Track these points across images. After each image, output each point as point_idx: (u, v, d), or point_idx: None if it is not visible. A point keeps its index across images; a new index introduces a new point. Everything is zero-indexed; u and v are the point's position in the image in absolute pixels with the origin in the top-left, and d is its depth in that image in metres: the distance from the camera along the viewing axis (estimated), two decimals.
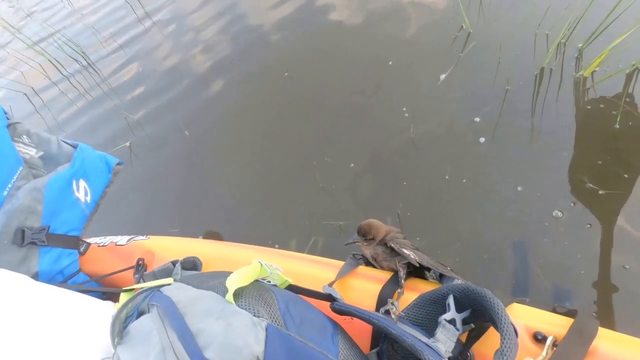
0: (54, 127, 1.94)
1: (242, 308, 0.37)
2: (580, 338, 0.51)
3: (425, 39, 1.55)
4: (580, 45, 1.29)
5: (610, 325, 0.82)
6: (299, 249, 1.13)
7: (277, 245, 1.15)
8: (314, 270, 0.64)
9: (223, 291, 0.41)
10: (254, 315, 0.36)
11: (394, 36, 1.61)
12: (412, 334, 0.43)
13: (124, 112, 1.80)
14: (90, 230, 0.82)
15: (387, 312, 0.53)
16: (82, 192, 0.78)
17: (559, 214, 1.00)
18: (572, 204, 1.00)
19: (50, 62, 2.23)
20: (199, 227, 1.30)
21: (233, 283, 0.39)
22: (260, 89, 1.67)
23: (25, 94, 2.16)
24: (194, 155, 1.53)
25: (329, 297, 0.51)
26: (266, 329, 0.35)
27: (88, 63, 2.19)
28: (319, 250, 1.12)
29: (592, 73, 1.22)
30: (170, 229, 1.31)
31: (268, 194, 1.32)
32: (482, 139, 1.20)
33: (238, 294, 0.40)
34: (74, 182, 0.76)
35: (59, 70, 2.21)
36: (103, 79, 2.07)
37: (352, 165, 1.28)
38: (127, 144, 1.66)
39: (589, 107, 1.18)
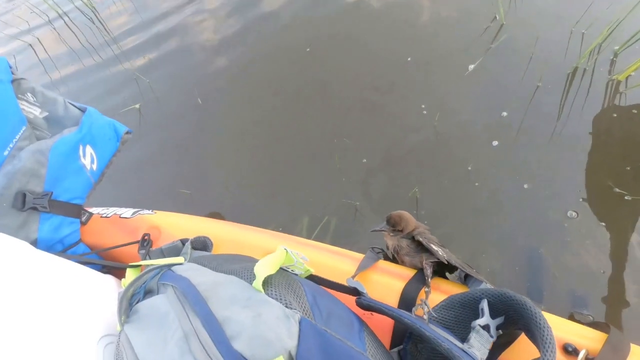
0: (59, 81, 1.88)
1: (272, 297, 0.34)
2: (615, 354, 0.48)
3: (457, 27, 1.48)
4: (617, 48, 1.23)
5: (628, 334, 0.80)
6: (311, 228, 1.11)
7: (283, 229, 1.12)
8: (333, 261, 0.60)
9: (247, 277, 0.37)
10: (286, 307, 0.33)
11: (428, 21, 1.54)
12: (447, 338, 0.40)
13: (135, 73, 1.74)
14: (92, 200, 0.78)
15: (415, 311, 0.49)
16: (89, 158, 0.73)
17: (574, 214, 0.97)
18: (595, 208, 0.97)
19: (60, 16, 2.15)
20: (206, 200, 1.26)
21: (262, 270, 0.35)
22: (282, 64, 1.60)
23: (30, 45, 2.09)
24: (205, 125, 1.48)
25: (355, 291, 0.47)
26: (299, 323, 0.32)
27: (99, 20, 2.11)
28: (331, 231, 1.09)
29: (627, 77, 1.17)
30: (181, 189, 1.29)
31: (282, 170, 1.27)
32: (506, 136, 1.15)
33: (266, 282, 0.36)
34: (81, 148, 0.72)
35: (68, 27, 2.13)
36: (114, 39, 2.00)
37: (378, 146, 1.23)
38: (137, 106, 1.61)
39: (621, 111, 1.12)
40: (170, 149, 1.46)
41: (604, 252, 0.91)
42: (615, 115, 1.12)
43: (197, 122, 1.51)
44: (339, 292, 0.50)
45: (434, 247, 0.55)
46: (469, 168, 1.12)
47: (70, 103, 0.76)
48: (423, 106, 1.28)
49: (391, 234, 0.62)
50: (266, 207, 1.20)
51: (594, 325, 0.53)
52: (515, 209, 1.02)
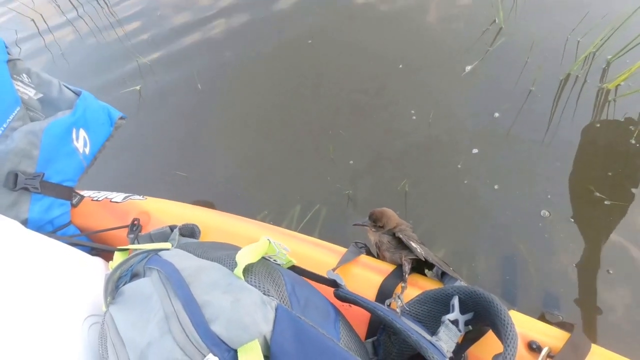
0: (59, 57, 1.87)
1: (252, 285, 0.36)
2: (575, 353, 0.51)
3: (457, 29, 1.49)
4: (610, 57, 1.25)
5: (593, 333, 0.84)
6: (301, 216, 1.13)
7: (275, 216, 1.14)
8: (316, 254, 0.62)
9: (230, 264, 0.39)
10: (264, 294, 0.35)
11: (430, 22, 1.55)
12: (416, 330, 0.42)
13: (136, 55, 1.73)
14: (83, 183, 0.79)
15: (389, 304, 0.52)
16: (82, 142, 0.74)
17: (547, 213, 1.02)
18: (576, 210, 1.01)
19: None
20: (202, 184, 1.29)
21: (244, 258, 0.37)
22: (283, 55, 1.60)
23: (32, 19, 2.07)
24: (204, 111, 1.50)
25: (333, 283, 0.49)
26: (276, 309, 0.34)
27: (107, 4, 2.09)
28: (321, 221, 1.11)
29: (616, 86, 1.19)
30: (178, 171, 1.31)
31: (275, 159, 1.30)
32: (496, 136, 1.18)
33: (247, 269, 0.38)
34: (74, 131, 0.72)
35: (71, 3, 2.11)
36: (118, 21, 1.98)
37: (375, 141, 1.26)
38: (137, 87, 1.61)
39: (608, 119, 1.15)
40: (169, 132, 1.47)
41: (579, 253, 0.95)
42: (602, 122, 1.15)
43: (195, 107, 1.52)
44: (319, 284, 0.52)
45: (413, 245, 0.57)
46: (459, 166, 1.14)
47: (65, 86, 0.76)
48: (413, 111, 1.30)
49: (373, 229, 0.64)
50: (259, 193, 1.23)
51: (560, 325, 0.56)
52: (496, 208, 1.05)
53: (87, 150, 0.76)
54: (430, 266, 0.63)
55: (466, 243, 1.01)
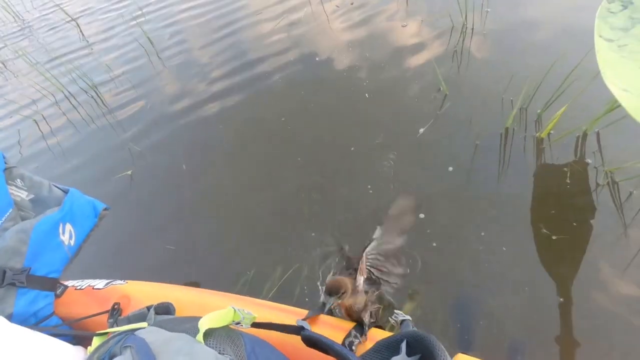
0: (59, 153, 2.01)
1: (210, 346, 0.41)
2: None
3: (409, 99, 1.70)
4: (539, 110, 1.44)
5: None
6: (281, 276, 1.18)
7: (254, 280, 1.19)
8: (279, 318, 0.67)
9: (194, 332, 0.45)
10: (220, 353, 0.40)
11: (384, 98, 1.77)
12: None
13: (128, 143, 1.90)
14: (73, 269, 0.85)
15: (351, 345, 0.56)
16: (67, 235, 0.81)
17: (504, 249, 1.10)
18: (528, 247, 1.10)
19: (61, 91, 2.36)
20: (189, 256, 1.36)
21: (204, 324, 0.43)
22: (258, 132, 1.78)
23: (35, 120, 2.26)
24: (189, 188, 1.62)
25: (300, 329, 0.54)
26: None
27: (97, 94, 2.31)
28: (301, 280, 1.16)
29: (548, 135, 1.36)
30: (167, 245, 1.39)
31: (251, 230, 1.38)
32: (453, 186, 1.31)
33: (208, 334, 0.43)
34: (61, 226, 0.80)
35: (68, 100, 2.34)
36: (110, 110, 2.19)
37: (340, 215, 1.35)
38: (129, 172, 1.74)
39: (546, 164, 1.30)
40: (157, 210, 1.57)
41: (534, 289, 1.01)
42: (541, 167, 1.29)
43: (181, 186, 1.64)
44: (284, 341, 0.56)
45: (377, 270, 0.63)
46: (421, 216, 1.23)
47: (55, 185, 0.86)
48: (369, 186, 1.40)
49: (339, 300, 0.67)
50: (240, 259, 1.30)
51: None
52: (459, 253, 1.13)
53: (72, 242, 0.82)
54: (391, 313, 0.68)
55: (426, 295, 1.06)
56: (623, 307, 0.96)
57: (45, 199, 0.83)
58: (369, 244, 0.66)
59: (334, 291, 0.67)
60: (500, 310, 0.99)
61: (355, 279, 0.66)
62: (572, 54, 1.44)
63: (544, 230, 1.11)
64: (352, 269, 0.67)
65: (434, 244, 1.17)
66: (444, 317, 1.00)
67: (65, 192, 0.85)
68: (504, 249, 1.11)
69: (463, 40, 1.90)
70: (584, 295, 0.99)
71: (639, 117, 0.86)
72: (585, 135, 1.33)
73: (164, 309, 0.68)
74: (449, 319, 0.99)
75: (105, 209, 0.90)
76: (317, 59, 2.09)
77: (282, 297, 1.14)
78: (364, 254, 0.66)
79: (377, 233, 0.66)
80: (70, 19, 3.38)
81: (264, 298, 1.13)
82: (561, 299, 0.99)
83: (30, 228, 0.76)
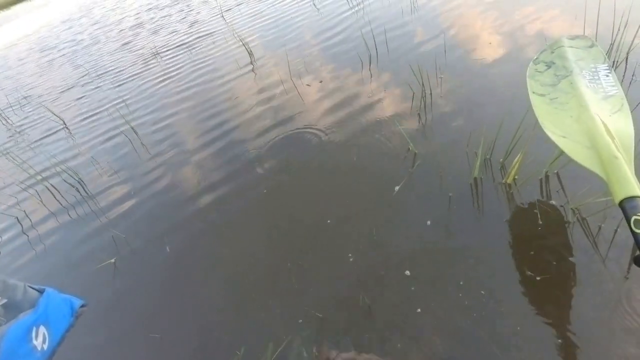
0: (41, 249, 2.00)
1: None
2: None
3: (381, 161, 1.82)
4: (501, 159, 1.56)
5: None
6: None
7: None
8: None
9: None
10: None
11: (351, 167, 1.88)
12: None
13: (112, 230, 1.92)
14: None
15: None
16: (40, 339, 0.78)
17: (491, 297, 1.07)
18: (514, 290, 1.11)
19: (43, 184, 2.45)
20: (175, 341, 1.33)
21: None
22: (238, 205, 1.85)
23: (17, 217, 2.29)
24: (173, 272, 1.62)
25: None
26: None
27: (80, 184, 2.40)
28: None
29: (514, 180, 1.45)
30: (151, 334, 1.37)
31: (236, 307, 1.35)
32: (432, 238, 1.33)
33: None
34: (34, 330, 0.77)
35: (51, 192, 2.41)
36: (93, 199, 2.25)
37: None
38: (113, 260, 1.75)
39: (517, 207, 1.36)
40: (142, 297, 1.56)
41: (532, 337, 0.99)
42: (513, 211, 1.35)
43: (165, 270, 1.65)
44: None
45: None
46: (407, 273, 1.24)
47: (30, 286, 0.84)
48: (350, 255, 1.42)
49: None
50: (229, 337, 1.25)
51: None
52: (448, 304, 1.11)
53: (45, 346, 0.78)
54: None
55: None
56: (616, 339, 0.94)
57: (19, 302, 0.80)
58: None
59: None
60: None
61: None
62: (518, 109, 1.61)
63: (529, 273, 1.13)
64: None
65: (419, 310, 1.16)
66: None
67: (41, 292, 0.83)
68: (495, 297, 1.11)
69: (424, 104, 2.11)
70: (573, 329, 0.98)
71: (577, 159, 0.95)
72: (547, 177, 1.43)
73: None
74: None
75: (83, 306, 0.88)
76: (291, 139, 2.26)
77: None
78: None
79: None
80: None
81: None
82: (559, 340, 0.97)
83: (2, 337, 0.72)
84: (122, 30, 7.05)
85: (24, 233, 2.18)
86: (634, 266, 1.06)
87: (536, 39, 2.35)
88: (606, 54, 1.28)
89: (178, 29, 5.54)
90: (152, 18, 7.01)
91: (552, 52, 1.34)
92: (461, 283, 1.18)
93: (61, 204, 2.32)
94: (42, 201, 2.41)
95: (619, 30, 1.95)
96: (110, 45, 6.17)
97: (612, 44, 1.92)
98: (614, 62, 1.85)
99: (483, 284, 1.16)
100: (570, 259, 1.15)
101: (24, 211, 2.36)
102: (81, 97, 4.23)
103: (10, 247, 2.11)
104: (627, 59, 1.85)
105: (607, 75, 1.16)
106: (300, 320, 1.23)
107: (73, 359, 1.35)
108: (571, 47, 1.31)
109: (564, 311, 1.03)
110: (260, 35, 4.11)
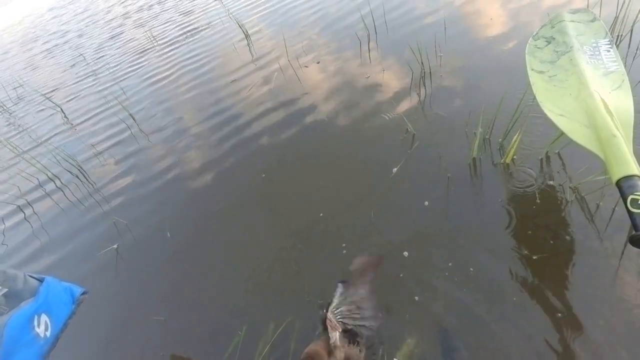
0: (42, 234, 2.04)
1: None
2: None
3: (379, 142, 1.81)
4: (500, 139, 1.54)
5: None
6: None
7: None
8: None
9: None
10: None
11: (359, 145, 1.87)
12: None
13: (113, 217, 1.95)
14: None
15: None
16: (43, 327, 0.79)
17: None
18: (511, 268, 1.12)
19: (44, 172, 2.45)
20: (179, 325, 1.36)
21: None
22: (239, 190, 1.86)
23: (19, 206, 2.32)
24: (174, 257, 1.65)
25: None
26: None
27: (81, 172, 2.42)
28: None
29: (512, 160, 1.43)
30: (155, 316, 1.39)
31: (235, 292, 1.37)
32: (430, 219, 1.34)
33: None
34: (36, 318, 0.78)
35: (52, 181, 2.42)
36: (95, 187, 2.27)
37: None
38: (115, 246, 1.78)
39: (515, 187, 1.35)
40: (145, 282, 1.59)
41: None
42: (511, 190, 1.35)
43: (166, 254, 1.67)
44: None
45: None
46: (405, 254, 1.25)
47: (30, 275, 0.86)
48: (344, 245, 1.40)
49: None
50: (231, 319, 1.27)
51: None
52: (443, 285, 1.13)
53: (48, 334, 0.80)
54: None
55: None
56: (613, 314, 0.96)
57: (19, 292, 0.81)
58: (332, 300, 0.68)
59: None
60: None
61: (328, 338, 0.67)
62: (518, 87, 1.58)
63: (525, 252, 1.14)
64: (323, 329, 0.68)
65: (416, 298, 1.17)
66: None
67: (41, 281, 0.85)
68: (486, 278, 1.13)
69: (424, 83, 2.07)
70: (569, 304, 1.00)
71: (575, 138, 0.93)
72: (547, 157, 1.41)
73: None
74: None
75: (84, 294, 0.90)
76: (291, 123, 2.24)
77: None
78: (329, 312, 0.68)
79: (339, 289, 0.68)
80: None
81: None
82: (559, 315, 0.99)
83: (4, 327, 0.73)
84: (126, 13, 6.88)
85: (26, 220, 2.20)
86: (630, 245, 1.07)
87: (538, 14, 2.28)
88: (609, 28, 1.24)
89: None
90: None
91: (553, 27, 1.30)
92: (456, 263, 1.18)
93: (63, 193, 2.33)
94: (44, 190, 2.42)
95: (624, 1, 1.88)
96: (105, 32, 6.02)
97: (616, 17, 1.86)
98: (617, 35, 1.80)
99: (479, 263, 1.17)
100: (567, 237, 1.16)
101: (26, 200, 2.38)
102: (78, 82, 4.19)
103: (12, 234, 2.14)
104: (631, 31, 1.79)
105: (609, 51, 1.13)
106: (301, 302, 1.25)
107: (78, 343, 1.38)
108: (572, 21, 1.27)
109: (560, 288, 1.04)
110: (259, 17, 4.02)
